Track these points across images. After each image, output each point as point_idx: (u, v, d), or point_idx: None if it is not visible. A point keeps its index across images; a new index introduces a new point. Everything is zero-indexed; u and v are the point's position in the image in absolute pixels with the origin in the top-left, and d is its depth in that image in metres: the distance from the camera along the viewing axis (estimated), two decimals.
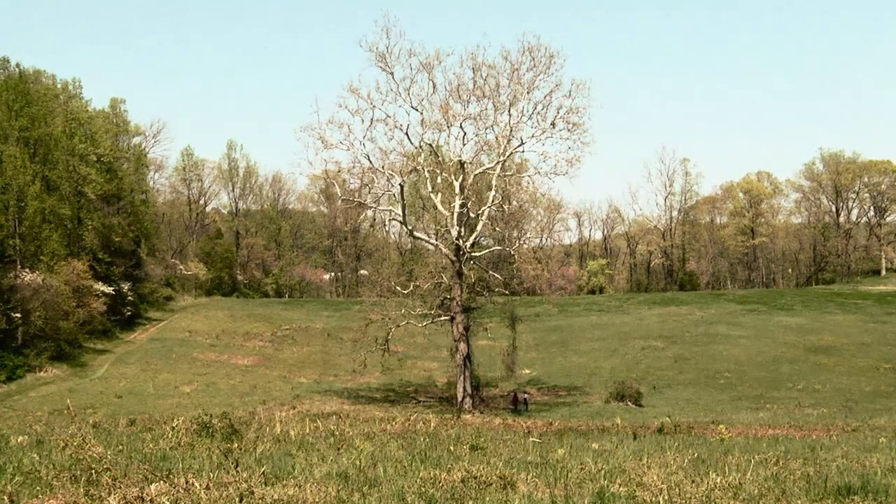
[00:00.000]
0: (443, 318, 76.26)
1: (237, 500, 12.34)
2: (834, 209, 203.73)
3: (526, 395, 75.09)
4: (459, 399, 72.66)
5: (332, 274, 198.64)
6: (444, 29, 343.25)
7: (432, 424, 35.56)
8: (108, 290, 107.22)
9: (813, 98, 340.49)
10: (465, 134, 75.11)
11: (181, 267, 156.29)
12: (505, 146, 74.61)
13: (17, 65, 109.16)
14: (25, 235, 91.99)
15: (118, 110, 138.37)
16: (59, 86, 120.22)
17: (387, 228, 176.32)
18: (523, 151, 77.70)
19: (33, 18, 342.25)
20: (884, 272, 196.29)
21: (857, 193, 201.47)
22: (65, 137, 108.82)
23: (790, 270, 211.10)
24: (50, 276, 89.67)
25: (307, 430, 28.93)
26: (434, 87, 74.45)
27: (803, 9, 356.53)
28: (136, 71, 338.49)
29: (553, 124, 73.96)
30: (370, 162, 74.44)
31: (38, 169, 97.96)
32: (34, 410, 66.52)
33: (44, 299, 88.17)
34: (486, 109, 75.29)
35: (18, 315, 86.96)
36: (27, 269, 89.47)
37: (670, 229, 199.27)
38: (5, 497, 13.00)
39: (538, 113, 74.35)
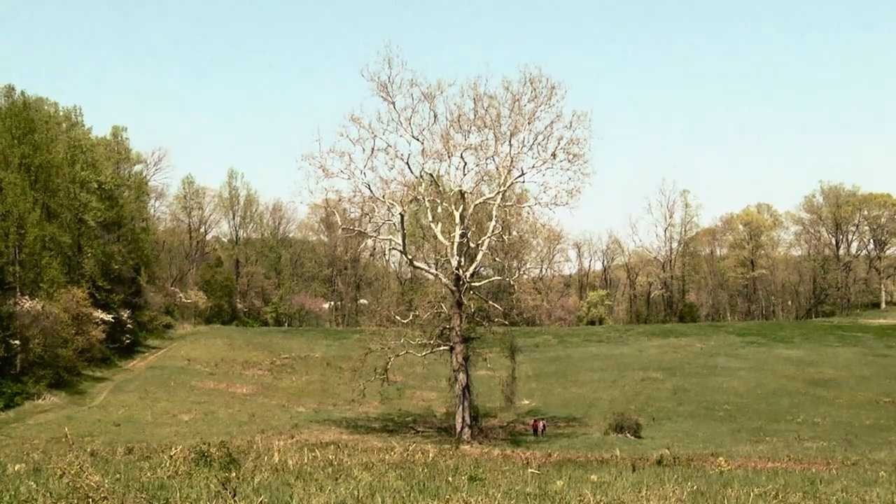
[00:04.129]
0: (442, 347, 76.09)
1: None
2: (834, 242, 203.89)
3: (544, 423, 76.66)
4: (458, 429, 72.43)
5: (332, 303, 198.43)
6: (445, 58, 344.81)
7: (431, 455, 35.41)
8: (108, 317, 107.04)
9: (813, 131, 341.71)
10: (465, 164, 75.31)
11: (181, 295, 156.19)
12: (505, 176, 74.72)
13: (22, 92, 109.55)
14: (25, 262, 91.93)
15: (120, 138, 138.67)
16: (61, 113, 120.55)
17: (387, 258, 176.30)
18: (524, 182, 78.04)
19: (38, 46, 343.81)
20: (884, 305, 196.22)
21: (857, 226, 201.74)
22: (66, 165, 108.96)
23: (790, 303, 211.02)
24: (49, 303, 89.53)
25: (305, 460, 28.80)
26: (435, 117, 74.76)
27: (804, 42, 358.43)
28: (139, 99, 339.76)
29: (554, 155, 74.12)
30: (371, 191, 74.58)
31: (38, 196, 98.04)
32: (32, 438, 66.26)
33: (43, 327, 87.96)
34: (487, 139, 75.55)
35: (17, 342, 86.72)
36: (27, 297, 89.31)
37: (670, 261, 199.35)
38: None
39: (539, 143, 74.57)
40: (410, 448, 42.62)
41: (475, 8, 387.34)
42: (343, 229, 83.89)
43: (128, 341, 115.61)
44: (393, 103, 74.01)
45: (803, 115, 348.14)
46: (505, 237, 80.00)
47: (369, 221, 79.17)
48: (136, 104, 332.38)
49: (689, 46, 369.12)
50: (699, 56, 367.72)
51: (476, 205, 75.94)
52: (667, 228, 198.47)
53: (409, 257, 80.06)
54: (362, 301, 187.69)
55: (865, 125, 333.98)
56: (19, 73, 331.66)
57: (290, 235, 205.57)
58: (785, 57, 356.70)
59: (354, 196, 76.38)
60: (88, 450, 37.36)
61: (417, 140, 74.76)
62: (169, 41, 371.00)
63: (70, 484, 15.62)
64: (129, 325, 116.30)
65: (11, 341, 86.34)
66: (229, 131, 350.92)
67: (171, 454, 27.91)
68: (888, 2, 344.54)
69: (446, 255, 75.43)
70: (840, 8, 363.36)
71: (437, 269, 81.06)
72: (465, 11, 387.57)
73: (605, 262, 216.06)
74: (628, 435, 72.48)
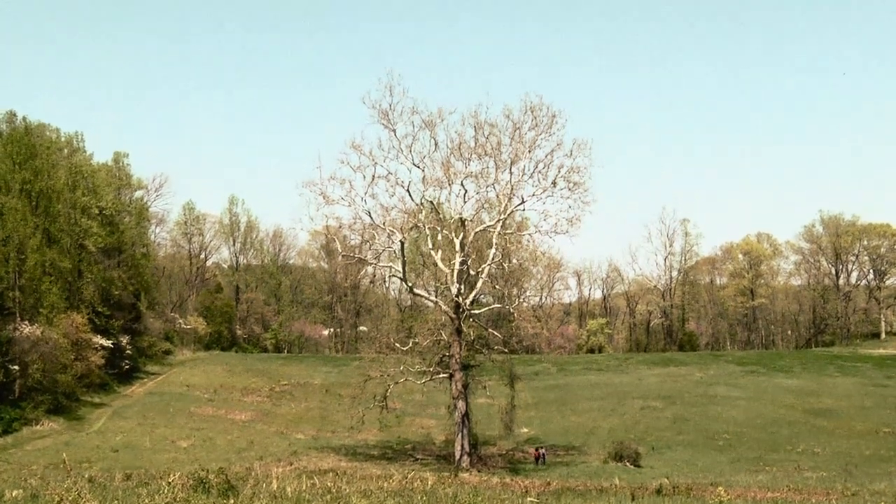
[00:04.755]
0: (441, 375, 76.05)
1: None
2: (833, 272, 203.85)
3: (544, 451, 76.77)
4: (457, 457, 72.28)
5: (332, 330, 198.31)
6: (446, 85, 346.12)
7: (430, 483, 35.41)
8: (107, 343, 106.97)
9: (813, 160, 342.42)
10: (466, 191, 75.54)
11: (180, 321, 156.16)
12: (506, 204, 74.89)
13: (24, 118, 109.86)
14: (25, 288, 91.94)
15: (121, 164, 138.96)
16: (62, 139, 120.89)
17: (387, 285, 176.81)
18: (524, 210, 78.05)
19: (41, 73, 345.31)
20: (883, 335, 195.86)
21: (857, 256, 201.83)
22: (67, 190, 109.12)
23: (790, 332, 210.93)
24: (49, 328, 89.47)
25: (304, 487, 28.79)
26: (436, 145, 75.02)
27: (805, 70, 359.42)
28: (141, 125, 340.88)
29: (554, 183, 74.31)
30: (371, 218, 74.74)
31: (39, 221, 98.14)
32: (30, 464, 66.16)
33: (42, 352, 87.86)
34: (488, 167, 75.78)
35: (16, 368, 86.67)
36: (26, 322, 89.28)
37: (670, 289, 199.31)
38: None
39: (539, 172, 74.77)
40: (409, 476, 42.60)
41: (477, 36, 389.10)
42: (343, 256, 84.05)
43: (127, 367, 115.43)
44: (394, 131, 74.35)
45: (803, 144, 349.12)
46: (505, 265, 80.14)
47: (369, 248, 79.35)
48: (138, 130, 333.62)
49: (690, 75, 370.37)
50: (699, 84, 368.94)
51: (476, 232, 76.09)
52: (667, 257, 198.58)
53: (409, 284, 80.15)
54: (362, 328, 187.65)
55: (865, 155, 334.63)
56: (22, 99, 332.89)
57: (291, 262, 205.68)
58: (785, 86, 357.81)
59: (355, 223, 76.67)
60: (86, 476, 37.35)
61: (418, 167, 75.07)
62: (171, 67, 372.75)
63: None
64: (128, 351, 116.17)
65: (10, 367, 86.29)
66: (231, 157, 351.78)
67: (170, 481, 27.90)
68: (886, 33, 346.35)
69: (446, 283, 75.52)
70: (839, 38, 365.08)
71: (436, 297, 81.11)
72: (466, 40, 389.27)
73: (605, 291, 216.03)
74: (627, 464, 72.36)
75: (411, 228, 76.92)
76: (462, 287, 74.27)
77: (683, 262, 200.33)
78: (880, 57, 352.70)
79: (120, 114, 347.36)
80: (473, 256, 76.64)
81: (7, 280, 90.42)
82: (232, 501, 20.44)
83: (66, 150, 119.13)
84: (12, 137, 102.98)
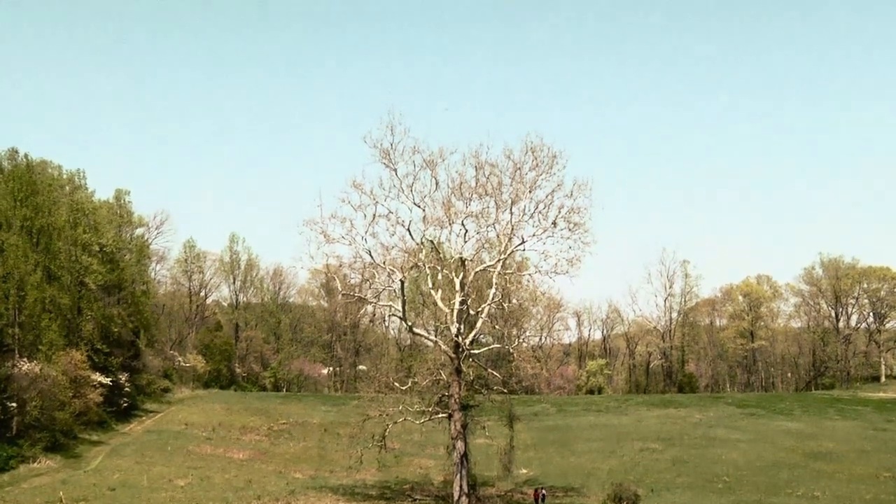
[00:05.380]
0: (440, 415, 75.76)
1: None
2: (833, 314, 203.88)
3: (544, 492, 76.85)
4: (456, 498, 71.93)
5: (331, 368, 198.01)
6: (447, 125, 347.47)
7: None
8: (106, 380, 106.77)
9: (813, 203, 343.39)
10: (466, 231, 75.56)
11: (179, 359, 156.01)
12: (506, 244, 74.92)
13: (26, 155, 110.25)
14: (24, 324, 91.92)
15: (122, 201, 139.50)
16: (64, 176, 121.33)
17: (386, 324, 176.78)
18: (524, 250, 78.10)
19: (46, 110, 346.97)
20: (884, 379, 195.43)
21: (857, 299, 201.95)
22: (68, 227, 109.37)
23: (790, 374, 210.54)
24: (48, 365, 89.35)
25: None
26: (437, 185, 75.10)
27: (805, 116, 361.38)
28: (143, 162, 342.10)
29: (554, 223, 74.35)
30: (371, 257, 74.78)
31: (39, 258, 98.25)
32: (26, 502, 65.87)
33: (40, 389, 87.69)
34: (488, 207, 75.80)
35: (14, 405, 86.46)
36: (25, 359, 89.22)
37: (670, 331, 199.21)
38: None
39: (539, 212, 74.78)
40: None
41: (478, 76, 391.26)
42: (343, 295, 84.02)
43: (125, 405, 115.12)
44: (395, 170, 74.46)
45: (803, 186, 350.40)
46: (505, 305, 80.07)
47: (369, 287, 79.40)
48: (140, 167, 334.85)
49: (692, 116, 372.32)
50: (700, 126, 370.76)
51: (476, 272, 76.04)
52: (666, 298, 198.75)
53: (409, 324, 79.97)
54: (361, 367, 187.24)
55: (865, 199, 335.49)
56: (26, 136, 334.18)
57: (290, 300, 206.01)
58: (787, 130, 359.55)
59: (355, 262, 76.65)
60: None
61: (419, 207, 75.12)
62: (174, 107, 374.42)
63: None
64: (126, 389, 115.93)
65: (8, 404, 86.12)
66: (232, 196, 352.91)
67: None
68: (886, 75, 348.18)
69: (446, 322, 75.36)
70: (837, 80, 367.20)
71: (436, 336, 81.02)
72: (468, 80, 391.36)
73: (605, 331, 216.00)
74: None
75: (411, 267, 76.85)
76: (462, 327, 74.16)
77: (683, 303, 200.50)
78: (882, 99, 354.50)
79: (123, 150, 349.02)
80: (473, 296, 76.56)
81: (7, 317, 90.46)
82: None
83: (67, 188, 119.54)
84: (14, 174, 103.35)
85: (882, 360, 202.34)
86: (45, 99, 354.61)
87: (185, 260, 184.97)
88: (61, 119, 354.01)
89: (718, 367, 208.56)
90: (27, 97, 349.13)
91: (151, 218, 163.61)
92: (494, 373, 79.61)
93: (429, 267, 75.84)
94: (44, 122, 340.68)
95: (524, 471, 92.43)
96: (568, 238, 74.61)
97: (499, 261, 75.48)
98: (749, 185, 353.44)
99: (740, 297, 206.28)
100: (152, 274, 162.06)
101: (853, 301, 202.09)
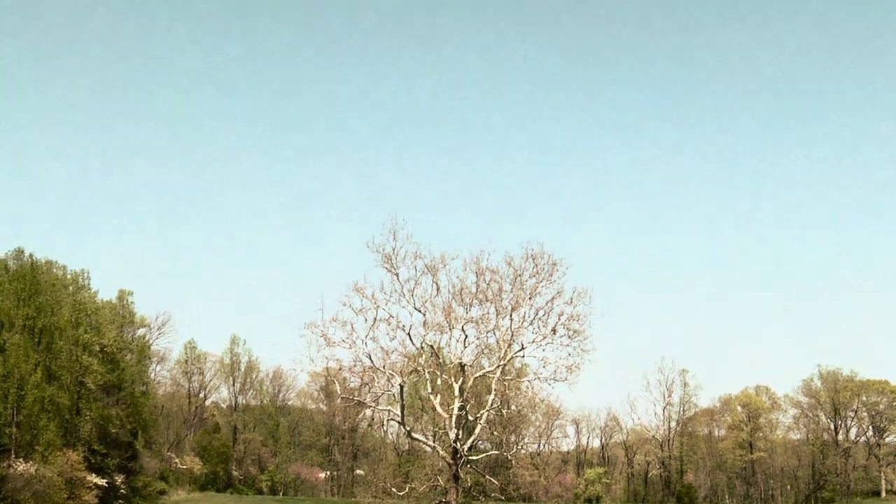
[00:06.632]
0: None
1: None
2: (832, 427, 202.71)
3: None
4: None
5: (328, 472, 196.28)
6: (448, 231, 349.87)
7: None
8: (102, 482, 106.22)
9: (812, 314, 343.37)
10: (466, 336, 75.81)
11: (176, 460, 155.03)
12: (506, 350, 75.16)
13: (31, 255, 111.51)
14: (22, 424, 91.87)
15: (125, 302, 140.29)
16: (68, 276, 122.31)
17: (385, 428, 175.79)
18: (524, 356, 78.24)
19: (52, 211, 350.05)
20: (884, 494, 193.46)
21: (856, 412, 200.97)
22: (70, 327, 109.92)
23: (789, 487, 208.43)
24: (44, 466, 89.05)
25: None
26: (438, 290, 75.62)
27: (805, 219, 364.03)
28: (145, 262, 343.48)
29: (554, 330, 74.65)
30: (371, 361, 74.94)
31: (40, 357, 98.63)
32: None
33: (35, 491, 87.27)
34: (488, 313, 76.17)
35: None
36: (21, 459, 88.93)
37: (668, 440, 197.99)
38: None
39: (539, 319, 75.12)
40: None
41: (478, 183, 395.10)
42: (342, 398, 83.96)
43: None
44: (397, 275, 75.07)
45: (802, 298, 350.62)
46: (504, 411, 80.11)
47: (369, 391, 79.32)
48: (143, 268, 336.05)
49: (690, 226, 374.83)
50: (698, 236, 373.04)
51: (475, 378, 76.23)
52: (665, 407, 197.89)
53: (408, 428, 79.83)
54: (359, 471, 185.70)
55: (864, 311, 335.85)
56: (32, 235, 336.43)
57: (290, 403, 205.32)
58: (785, 238, 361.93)
59: (355, 365, 76.73)
60: None
61: (419, 311, 75.53)
62: (176, 209, 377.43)
63: None
64: (122, 491, 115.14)
65: None
66: (234, 296, 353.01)
67: None
68: (882, 176, 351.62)
69: (444, 428, 75.27)
70: (835, 203, 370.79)
71: (434, 441, 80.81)
72: (468, 188, 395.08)
73: (603, 439, 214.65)
74: None
75: (411, 372, 77.02)
76: (460, 432, 74.05)
77: (682, 412, 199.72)
78: (882, 220, 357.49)
79: (127, 251, 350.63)
80: (472, 402, 76.61)
81: (4, 416, 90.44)
82: None
83: (71, 287, 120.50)
84: (17, 274, 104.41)
85: (882, 474, 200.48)
86: (51, 198, 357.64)
87: (186, 361, 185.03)
88: (67, 218, 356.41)
89: (717, 477, 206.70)
90: (34, 196, 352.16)
91: (153, 319, 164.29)
92: (492, 479, 79.34)
93: (428, 372, 75.98)
94: (49, 221, 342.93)
95: None
96: (567, 345, 74.82)
97: (498, 367, 75.70)
98: (748, 296, 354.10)
99: (739, 408, 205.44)
100: (152, 374, 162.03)
101: (852, 414, 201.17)
